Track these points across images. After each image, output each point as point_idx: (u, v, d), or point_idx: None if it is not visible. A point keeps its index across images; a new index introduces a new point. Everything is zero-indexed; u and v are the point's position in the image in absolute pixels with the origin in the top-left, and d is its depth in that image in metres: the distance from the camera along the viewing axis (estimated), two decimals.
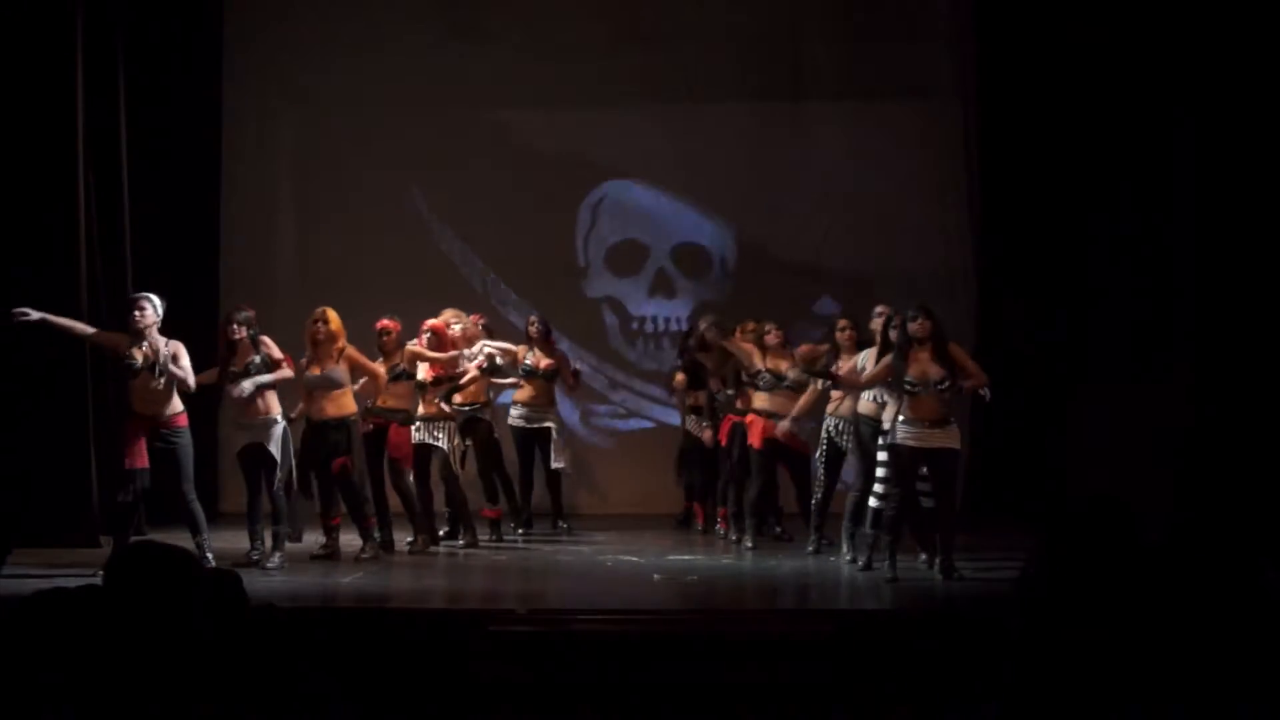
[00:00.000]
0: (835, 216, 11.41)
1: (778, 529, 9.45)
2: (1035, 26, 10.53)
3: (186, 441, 7.98)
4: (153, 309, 7.99)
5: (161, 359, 7.87)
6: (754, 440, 8.96)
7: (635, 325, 11.52)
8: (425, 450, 8.93)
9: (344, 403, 8.42)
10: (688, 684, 5.64)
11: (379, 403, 8.82)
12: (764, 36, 11.43)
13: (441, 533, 9.26)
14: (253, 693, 3.38)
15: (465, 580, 8.31)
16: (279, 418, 8.23)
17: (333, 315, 8.45)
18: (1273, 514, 8.23)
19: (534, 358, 9.81)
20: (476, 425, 9.40)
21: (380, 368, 8.73)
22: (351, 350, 8.48)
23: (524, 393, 9.79)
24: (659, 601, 7.31)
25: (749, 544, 8.98)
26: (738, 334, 9.26)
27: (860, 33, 11.41)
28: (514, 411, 9.85)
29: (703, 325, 9.31)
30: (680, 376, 9.85)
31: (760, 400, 8.98)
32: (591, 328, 11.45)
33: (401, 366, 8.84)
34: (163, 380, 7.89)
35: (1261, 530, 8.14)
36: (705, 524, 9.90)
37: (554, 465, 9.74)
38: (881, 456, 8.05)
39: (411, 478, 8.86)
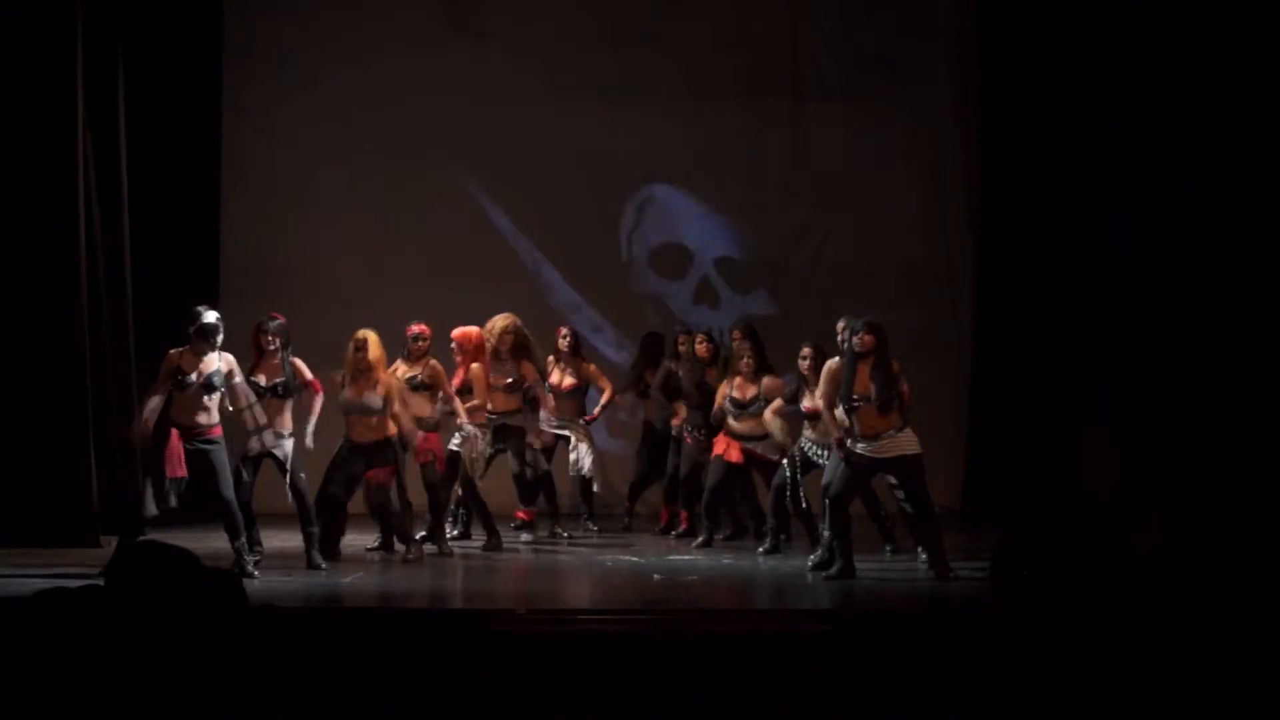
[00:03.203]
0: (835, 216, 11.43)
1: (763, 529, 9.48)
2: (1036, 23, 10.54)
3: (220, 450, 7.85)
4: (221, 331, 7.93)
5: (216, 380, 7.82)
6: (724, 452, 9.09)
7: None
8: (453, 456, 8.91)
9: (382, 428, 8.33)
10: (688, 684, 5.64)
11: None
12: (764, 35, 11.46)
13: (454, 533, 9.26)
14: (253, 692, 3.38)
15: (465, 580, 8.30)
16: (288, 432, 8.19)
17: (374, 342, 8.27)
18: (1273, 515, 8.23)
19: (558, 375, 9.71)
20: (509, 432, 9.28)
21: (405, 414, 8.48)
22: (391, 381, 8.37)
23: (549, 406, 9.57)
24: (659, 601, 7.31)
25: (697, 541, 9.16)
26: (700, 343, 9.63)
27: (860, 31, 11.43)
28: (541, 420, 9.65)
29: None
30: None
31: (730, 424, 9.11)
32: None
33: (420, 378, 8.74)
34: (214, 396, 7.83)
35: (1263, 532, 8.14)
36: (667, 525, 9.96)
37: (577, 470, 9.74)
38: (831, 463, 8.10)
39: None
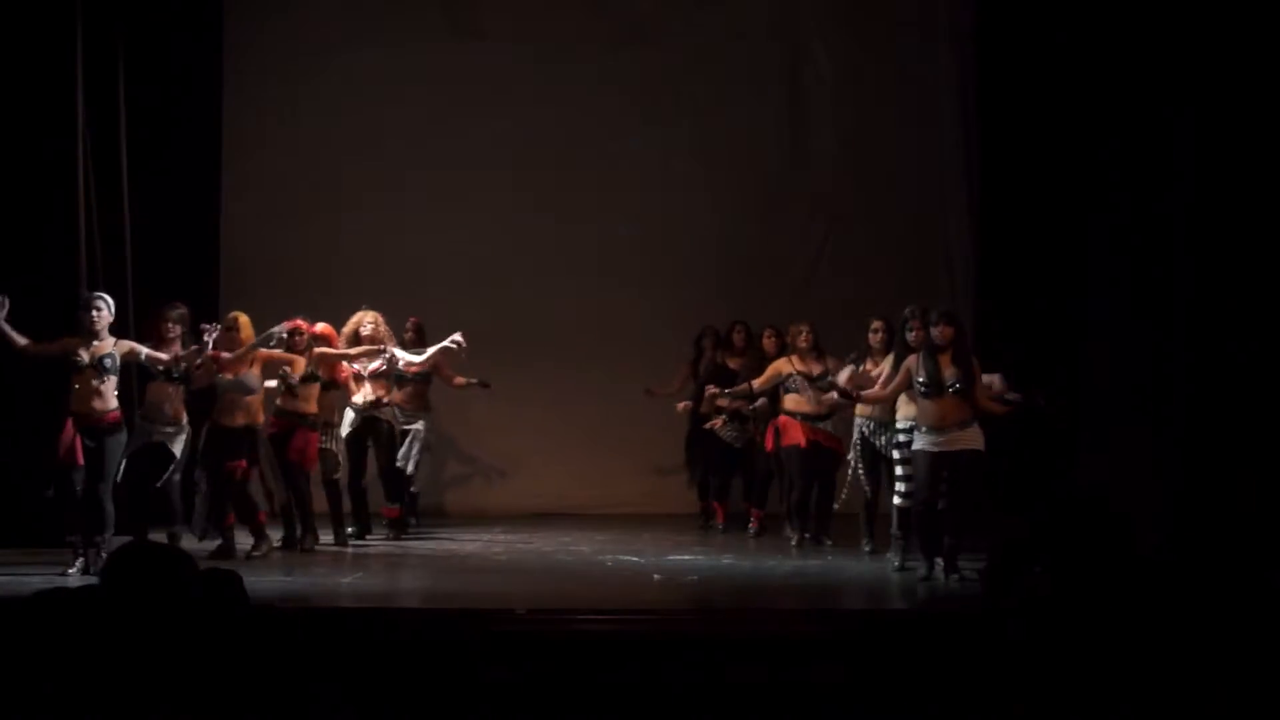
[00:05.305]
0: (835, 214, 11.45)
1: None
2: (1036, 21, 10.53)
3: (117, 441, 7.94)
4: (108, 310, 8.01)
5: (109, 363, 7.88)
6: (797, 439, 9.06)
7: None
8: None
9: (254, 411, 8.50)
10: (688, 684, 5.64)
11: (283, 405, 8.82)
12: (764, 34, 11.47)
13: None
14: (253, 693, 3.38)
15: (465, 580, 8.30)
16: (186, 425, 8.30)
17: (245, 321, 8.53)
18: (1274, 515, 8.22)
19: (405, 363, 9.77)
20: (376, 425, 9.45)
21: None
22: (263, 353, 8.53)
23: (400, 395, 9.78)
24: (659, 601, 7.32)
25: (794, 541, 9.16)
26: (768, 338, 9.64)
27: (861, 29, 11.45)
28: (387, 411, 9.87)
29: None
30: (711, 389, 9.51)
31: (791, 401, 9.10)
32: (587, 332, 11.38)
33: (310, 368, 8.88)
34: (108, 380, 7.88)
35: (1263, 532, 8.14)
36: (724, 522, 10.01)
37: (399, 463, 9.67)
38: (900, 455, 8.09)
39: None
